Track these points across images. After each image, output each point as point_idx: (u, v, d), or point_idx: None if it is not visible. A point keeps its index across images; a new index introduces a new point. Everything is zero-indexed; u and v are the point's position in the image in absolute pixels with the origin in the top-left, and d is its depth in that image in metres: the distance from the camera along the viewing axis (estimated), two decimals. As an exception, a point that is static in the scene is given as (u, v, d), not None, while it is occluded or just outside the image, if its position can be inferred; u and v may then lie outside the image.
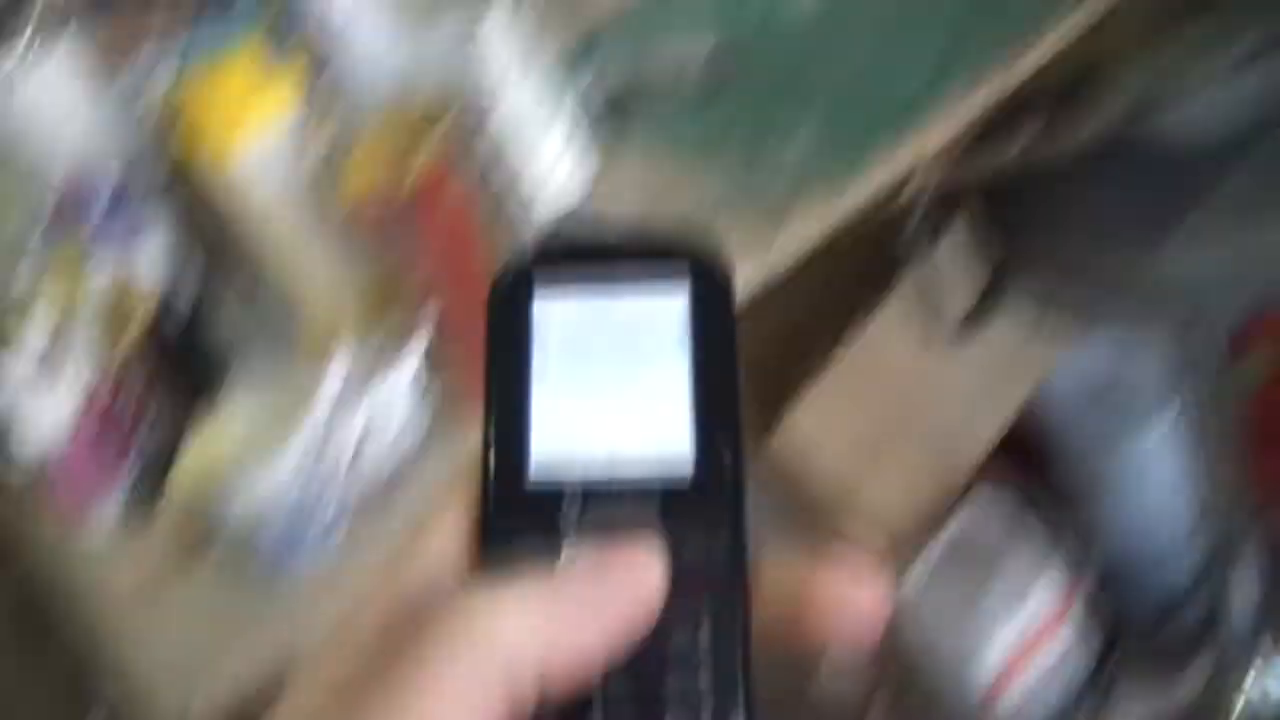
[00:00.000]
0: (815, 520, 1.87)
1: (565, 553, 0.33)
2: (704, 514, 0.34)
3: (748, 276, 1.00)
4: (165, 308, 1.29)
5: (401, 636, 0.31)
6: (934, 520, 1.83)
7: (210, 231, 1.43)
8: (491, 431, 0.36)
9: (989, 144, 1.16)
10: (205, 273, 1.44)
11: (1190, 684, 1.80)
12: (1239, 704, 1.75)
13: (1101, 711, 1.84)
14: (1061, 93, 1.18)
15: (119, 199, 1.37)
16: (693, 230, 0.36)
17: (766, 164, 1.09)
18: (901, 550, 1.84)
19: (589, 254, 0.37)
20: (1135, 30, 2.01)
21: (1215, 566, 1.64)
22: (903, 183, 1.16)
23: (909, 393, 1.91)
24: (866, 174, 1.05)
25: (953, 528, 1.78)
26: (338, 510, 1.08)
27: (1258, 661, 1.73)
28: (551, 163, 1.10)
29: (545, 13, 1.12)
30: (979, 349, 1.93)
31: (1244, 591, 1.66)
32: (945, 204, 1.26)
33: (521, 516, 0.34)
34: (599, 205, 1.11)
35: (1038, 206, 1.25)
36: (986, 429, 1.96)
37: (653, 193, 1.10)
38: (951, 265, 1.41)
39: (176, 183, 1.31)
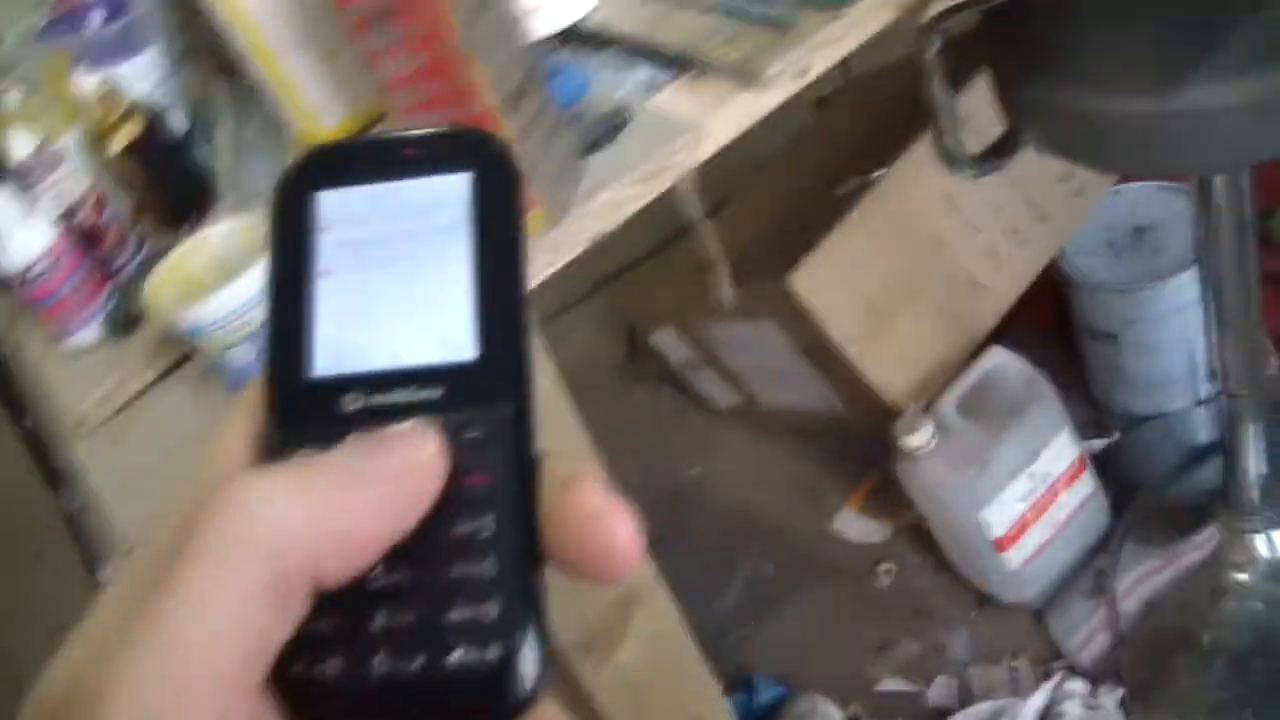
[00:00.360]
0: (834, 364, 1.85)
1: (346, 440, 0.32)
2: (488, 398, 0.33)
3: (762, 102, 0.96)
4: (155, 125, 1.26)
5: (183, 533, 0.30)
6: (954, 369, 1.81)
7: (206, 49, 1.39)
8: (273, 326, 0.35)
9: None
10: (199, 94, 1.41)
11: (1202, 544, 1.78)
12: (1249, 564, 1.73)
13: (1113, 568, 1.83)
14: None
15: (115, 10, 1.34)
16: (475, 128, 0.36)
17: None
18: (921, 395, 1.82)
19: (374, 150, 0.37)
20: None
21: (1230, 427, 1.60)
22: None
23: (932, 239, 1.87)
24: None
25: (972, 378, 1.75)
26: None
27: (1269, 521, 1.71)
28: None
29: None
30: (1002, 189, 1.89)
31: (1257, 452, 1.63)
32: (964, 50, 1.21)
33: (306, 409, 0.34)
34: (601, 21, 1.07)
35: (1054, 49, 1.20)
36: (1009, 279, 1.93)
37: (656, 12, 1.06)
38: (972, 110, 1.37)
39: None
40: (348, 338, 0.34)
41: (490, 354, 0.33)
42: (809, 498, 2.16)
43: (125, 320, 1.17)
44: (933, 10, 1.17)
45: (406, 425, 0.32)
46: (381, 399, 0.33)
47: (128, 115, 1.23)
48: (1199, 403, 1.99)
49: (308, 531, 0.30)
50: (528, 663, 0.30)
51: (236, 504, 0.30)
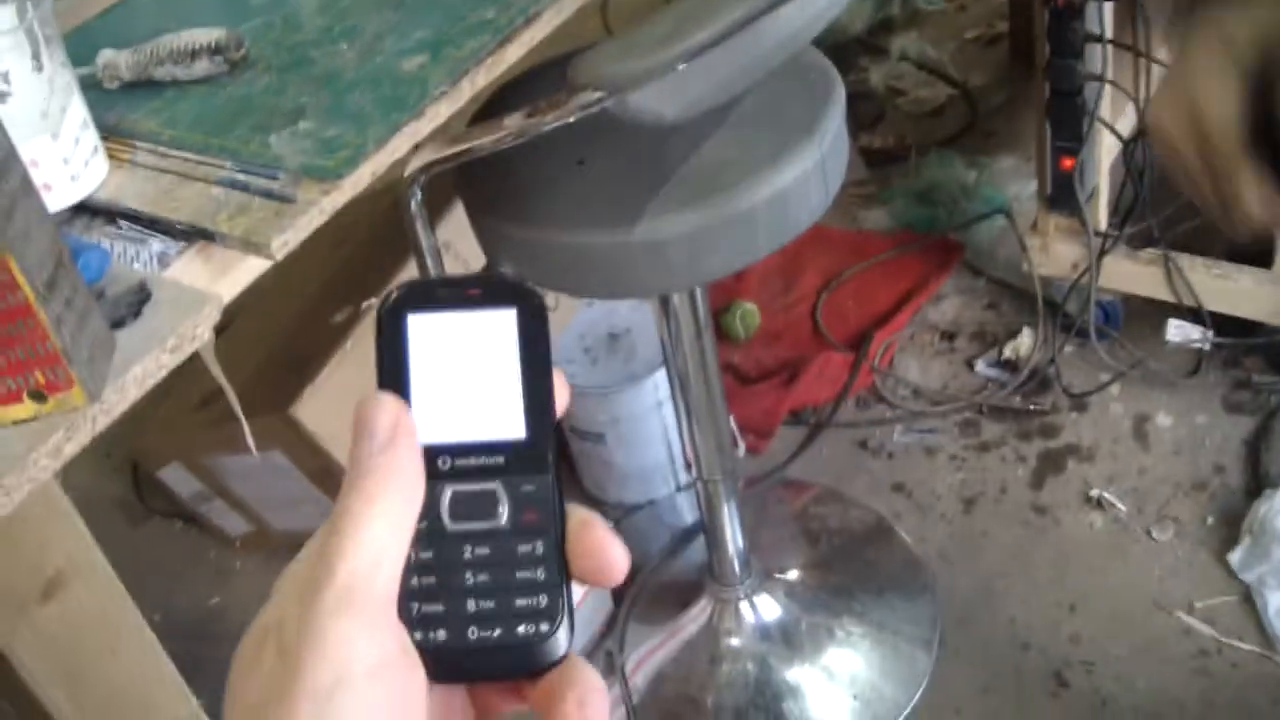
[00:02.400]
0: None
1: (446, 491, 0.46)
2: (535, 462, 0.47)
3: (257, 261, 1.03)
4: None
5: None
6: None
7: None
8: None
9: (481, 125, 1.22)
10: None
11: (697, 616, 1.96)
12: (738, 630, 1.92)
13: (620, 647, 1.97)
14: (550, 77, 1.26)
15: None
16: (517, 280, 0.50)
17: (279, 144, 1.11)
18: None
19: (447, 287, 0.49)
20: (623, 15, 2.16)
21: (707, 510, 1.79)
22: (404, 161, 1.21)
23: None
24: (369, 154, 1.09)
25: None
26: None
27: (751, 588, 1.91)
28: (65, 152, 1.07)
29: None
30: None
31: (734, 529, 1.82)
32: (443, 183, 1.32)
33: None
34: (110, 196, 1.09)
35: (524, 192, 1.33)
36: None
37: (163, 187, 1.10)
38: (452, 238, 1.48)
39: None
40: (438, 418, 0.47)
41: (534, 434, 0.47)
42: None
43: None
44: (414, 164, 1.27)
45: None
46: (463, 462, 0.47)
47: None
48: (679, 489, 2.19)
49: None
50: (563, 634, 0.45)
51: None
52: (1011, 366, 2.33)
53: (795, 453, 2.25)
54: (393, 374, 0.47)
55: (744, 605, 1.93)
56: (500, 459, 0.47)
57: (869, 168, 2.85)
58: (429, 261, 1.35)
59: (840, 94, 1.39)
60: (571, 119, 1.12)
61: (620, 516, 2.19)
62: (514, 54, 1.22)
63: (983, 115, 2.97)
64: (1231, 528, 2.02)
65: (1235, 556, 1.97)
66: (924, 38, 3.24)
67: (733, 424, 2.24)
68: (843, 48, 3.20)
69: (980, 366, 2.35)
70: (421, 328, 0.48)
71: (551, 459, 0.47)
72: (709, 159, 1.32)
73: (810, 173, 1.31)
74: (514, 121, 1.17)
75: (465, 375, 0.48)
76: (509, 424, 0.47)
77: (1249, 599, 1.92)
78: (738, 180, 1.28)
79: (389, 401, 0.45)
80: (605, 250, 1.29)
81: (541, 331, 0.49)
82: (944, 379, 2.36)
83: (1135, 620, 1.94)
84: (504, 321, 0.49)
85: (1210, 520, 2.05)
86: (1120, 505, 2.09)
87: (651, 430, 2.07)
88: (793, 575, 2.01)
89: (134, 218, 1.06)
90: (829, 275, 2.55)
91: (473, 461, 0.47)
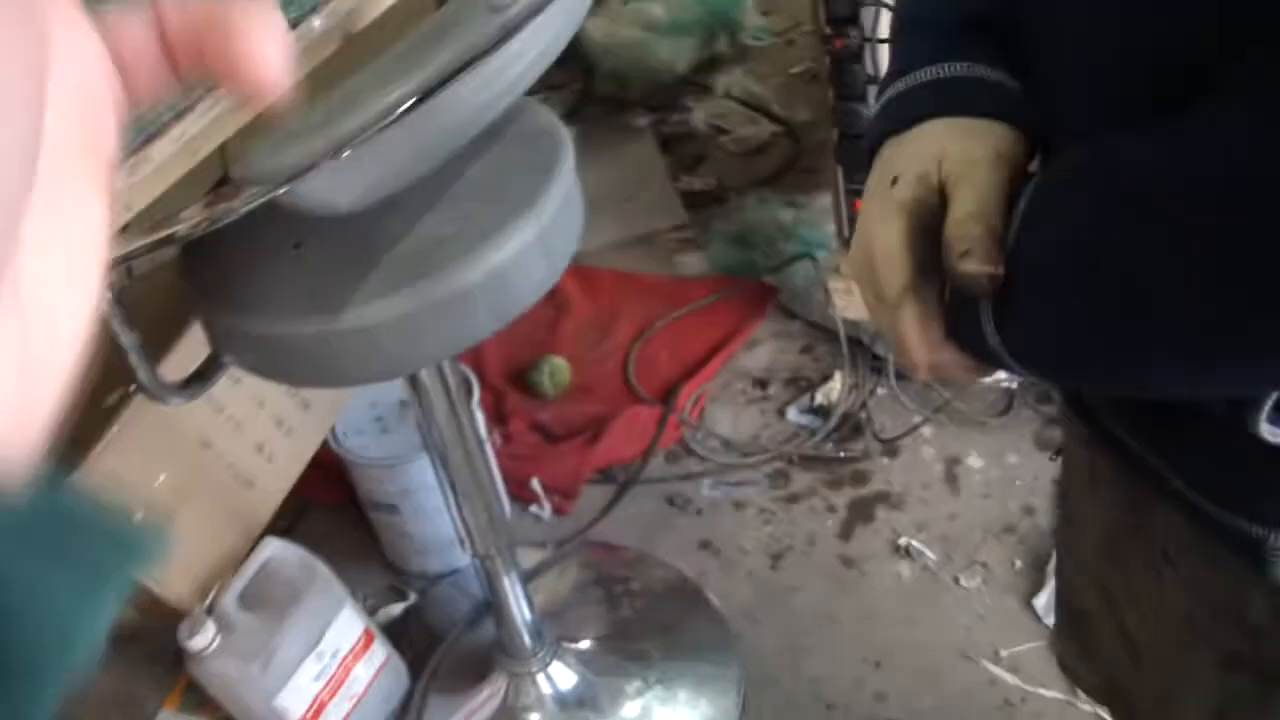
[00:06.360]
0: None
1: None
2: None
3: None
4: None
5: None
6: (236, 563, 1.82)
7: None
8: None
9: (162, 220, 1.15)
10: None
11: (495, 691, 1.89)
12: (536, 704, 1.86)
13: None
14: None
15: None
16: None
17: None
18: (205, 594, 1.82)
19: None
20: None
21: (489, 585, 1.73)
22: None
23: (198, 441, 1.89)
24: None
25: (251, 570, 1.77)
26: None
27: (544, 660, 1.85)
28: None
29: None
30: (263, 384, 1.94)
31: (519, 602, 1.76)
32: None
33: None
34: None
35: (238, 282, 1.27)
36: (282, 468, 1.98)
37: None
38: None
39: None
40: None
41: None
42: (123, 708, 2.09)
43: None
44: (120, 249, 1.20)
45: None
46: None
47: None
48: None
49: None
50: None
51: None
52: (824, 413, 2.29)
53: (602, 513, 2.19)
54: None
55: (540, 678, 1.86)
56: None
57: (689, 210, 2.81)
58: (137, 364, 1.27)
59: (568, 160, 1.33)
60: (243, 211, 1.06)
61: (424, 587, 2.12)
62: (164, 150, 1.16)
63: (805, 152, 2.94)
64: (1040, 571, 1.99)
65: (1040, 601, 1.95)
66: (750, 74, 3.22)
67: (537, 485, 2.18)
68: (668, 87, 3.16)
69: (792, 414, 2.31)
70: None
71: None
72: (426, 237, 1.26)
73: (531, 246, 1.25)
74: (192, 213, 1.10)
75: None
76: None
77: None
78: (453, 259, 1.22)
79: None
80: (313, 339, 1.22)
81: None
82: (756, 428, 2.31)
83: (942, 672, 1.90)
84: None
85: (1019, 564, 2.02)
86: (929, 553, 2.05)
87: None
88: (588, 644, 1.94)
89: None
90: (643, 325, 2.50)
91: None
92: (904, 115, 0.74)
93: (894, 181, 0.72)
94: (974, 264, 0.65)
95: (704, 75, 3.22)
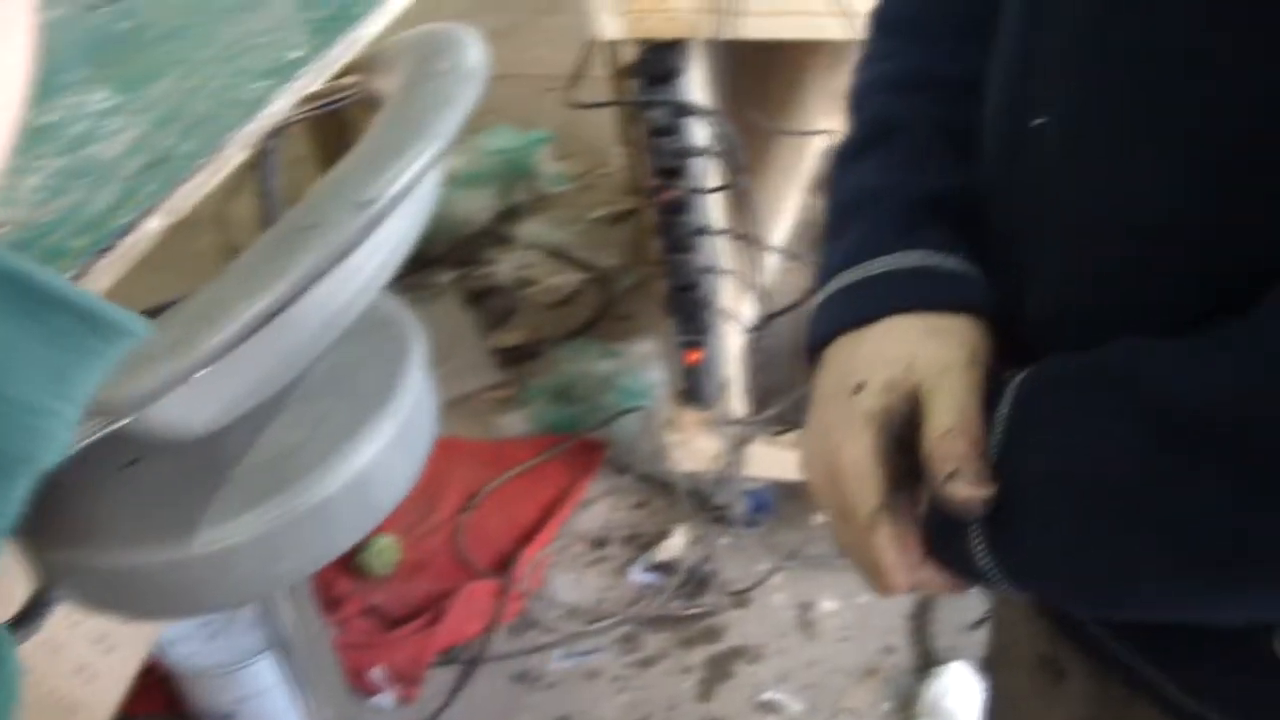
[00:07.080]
0: None
1: None
2: None
3: None
4: None
5: None
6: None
7: None
8: None
9: None
10: None
11: None
12: None
13: None
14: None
15: None
16: None
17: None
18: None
19: None
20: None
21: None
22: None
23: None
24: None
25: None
26: None
27: None
28: None
29: None
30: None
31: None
32: None
33: None
34: None
35: (70, 510, 1.14)
36: (108, 686, 1.82)
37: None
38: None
39: None
40: None
41: None
42: None
43: None
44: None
45: None
46: None
47: None
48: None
49: None
50: None
51: None
52: (668, 569, 2.22)
53: (449, 698, 2.06)
54: None
55: None
56: None
57: (504, 368, 2.73)
58: None
59: (419, 349, 1.25)
60: (95, 437, 0.94)
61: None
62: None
63: (616, 298, 2.91)
64: (907, 711, 1.95)
65: (913, 746, 1.90)
66: (550, 221, 3.18)
67: (378, 675, 2.05)
68: (469, 241, 3.10)
69: (635, 573, 2.23)
70: None
71: None
72: (277, 444, 1.15)
73: (391, 445, 1.16)
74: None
75: None
76: None
77: (930, 792, 1.85)
78: (309, 467, 1.12)
79: None
80: (162, 569, 1.10)
81: None
82: (599, 591, 2.23)
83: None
84: None
85: (886, 706, 1.97)
86: (794, 704, 1.99)
87: (284, 704, 1.85)
88: None
89: None
90: (469, 493, 2.39)
91: None
92: (860, 312, 0.68)
93: (857, 388, 0.66)
94: (964, 487, 0.59)
95: (505, 226, 3.17)
